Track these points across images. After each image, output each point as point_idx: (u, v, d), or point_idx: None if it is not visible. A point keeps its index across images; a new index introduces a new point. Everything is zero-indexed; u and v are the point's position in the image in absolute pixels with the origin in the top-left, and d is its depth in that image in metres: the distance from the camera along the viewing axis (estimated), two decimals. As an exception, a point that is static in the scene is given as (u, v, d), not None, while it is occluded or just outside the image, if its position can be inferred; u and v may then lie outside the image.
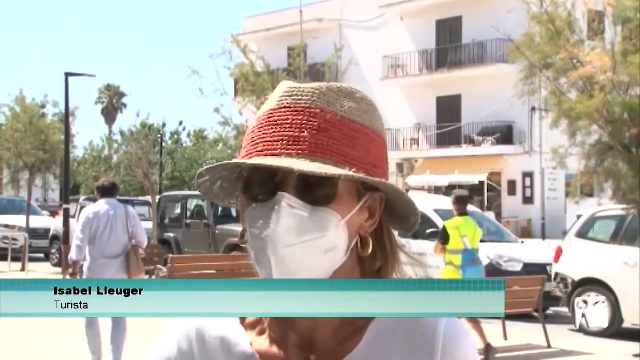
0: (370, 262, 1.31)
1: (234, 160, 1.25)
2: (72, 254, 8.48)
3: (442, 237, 9.94)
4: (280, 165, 1.19)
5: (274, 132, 1.25)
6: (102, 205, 8.52)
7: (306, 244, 1.21)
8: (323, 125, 1.25)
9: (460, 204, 10.00)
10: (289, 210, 1.21)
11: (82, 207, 18.13)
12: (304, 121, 1.25)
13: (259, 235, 1.23)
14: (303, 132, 1.24)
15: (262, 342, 1.31)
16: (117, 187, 8.97)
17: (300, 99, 1.27)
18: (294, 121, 1.25)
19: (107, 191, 8.69)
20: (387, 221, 1.33)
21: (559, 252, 12.74)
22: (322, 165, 1.21)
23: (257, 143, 1.26)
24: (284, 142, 1.23)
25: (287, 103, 1.27)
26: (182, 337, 1.35)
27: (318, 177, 1.21)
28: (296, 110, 1.26)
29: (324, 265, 1.23)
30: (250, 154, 1.26)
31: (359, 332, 1.29)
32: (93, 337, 8.45)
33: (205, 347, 1.33)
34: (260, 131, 1.27)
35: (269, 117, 1.27)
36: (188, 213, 20.15)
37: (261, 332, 1.32)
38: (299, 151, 1.22)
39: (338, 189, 1.24)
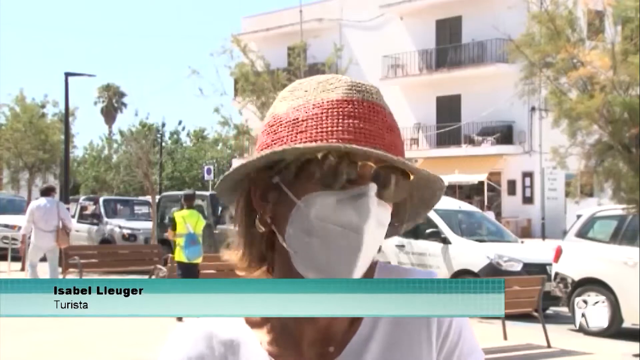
0: None
1: (341, 145, 1.20)
2: (22, 230, 14.60)
3: (173, 225, 12.67)
4: (393, 159, 1.20)
5: (350, 123, 1.24)
6: (42, 201, 13.95)
7: (377, 237, 1.23)
8: (389, 123, 1.27)
9: (188, 200, 13.03)
10: (374, 201, 1.21)
11: (82, 207, 23.36)
12: (377, 118, 1.26)
13: (345, 221, 1.21)
14: (380, 129, 1.25)
15: (271, 341, 1.31)
16: (53, 188, 14.54)
17: (369, 95, 1.28)
18: (369, 117, 1.25)
19: (45, 192, 14.22)
20: None
21: (559, 252, 12.73)
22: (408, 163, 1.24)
23: (332, 132, 1.23)
24: (364, 135, 1.23)
25: (357, 98, 1.27)
26: (192, 343, 1.33)
27: (389, 175, 1.23)
28: (367, 106, 1.26)
29: (369, 262, 1.25)
30: (324, 140, 1.22)
31: (357, 319, 1.31)
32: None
33: (215, 351, 1.32)
34: (330, 119, 1.24)
35: (338, 107, 1.25)
36: (188, 213, 20.08)
37: (268, 331, 1.31)
38: (379, 146, 1.23)
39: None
